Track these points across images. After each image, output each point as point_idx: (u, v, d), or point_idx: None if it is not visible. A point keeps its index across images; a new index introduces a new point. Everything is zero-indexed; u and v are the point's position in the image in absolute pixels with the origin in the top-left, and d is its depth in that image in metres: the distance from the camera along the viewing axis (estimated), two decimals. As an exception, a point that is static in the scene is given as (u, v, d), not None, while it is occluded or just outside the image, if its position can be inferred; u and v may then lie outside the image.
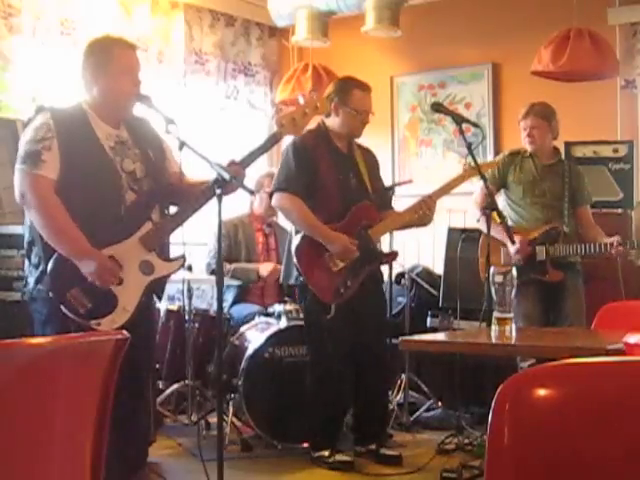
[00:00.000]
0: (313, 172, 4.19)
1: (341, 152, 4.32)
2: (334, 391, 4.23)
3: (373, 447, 4.33)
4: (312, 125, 4.10)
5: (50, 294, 3.10)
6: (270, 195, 4.31)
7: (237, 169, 3.16)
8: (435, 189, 4.27)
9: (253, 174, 5.19)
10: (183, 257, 3.31)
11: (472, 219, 4.71)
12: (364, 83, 4.33)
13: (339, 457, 4.20)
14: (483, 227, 4.54)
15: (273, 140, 3.39)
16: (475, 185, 4.70)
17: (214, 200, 3.10)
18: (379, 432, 4.39)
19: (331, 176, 4.24)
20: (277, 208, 4.35)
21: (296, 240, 4.25)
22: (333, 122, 4.30)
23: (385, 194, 4.48)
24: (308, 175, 4.18)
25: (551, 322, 4.56)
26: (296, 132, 3.40)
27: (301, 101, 3.42)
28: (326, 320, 4.16)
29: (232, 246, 5.23)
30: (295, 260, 4.22)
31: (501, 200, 4.69)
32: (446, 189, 4.27)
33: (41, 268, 3.13)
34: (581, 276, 4.65)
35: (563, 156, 4.94)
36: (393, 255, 4.48)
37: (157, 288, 3.36)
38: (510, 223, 4.60)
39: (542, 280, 4.53)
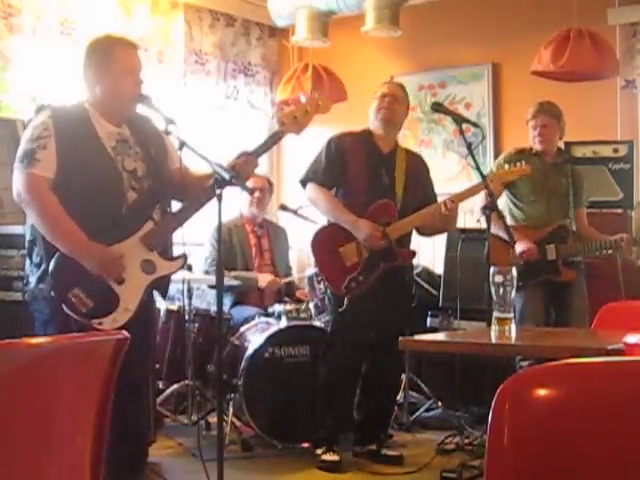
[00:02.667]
0: (341, 168, 4.28)
1: (379, 152, 4.35)
2: (339, 387, 4.25)
3: (373, 447, 4.33)
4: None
5: (52, 293, 3.10)
6: (303, 184, 4.37)
7: (249, 159, 3.17)
8: (456, 192, 4.26)
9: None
10: (184, 256, 3.31)
11: (473, 219, 4.71)
12: (388, 81, 4.58)
13: (325, 456, 4.20)
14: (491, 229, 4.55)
15: (275, 138, 3.39)
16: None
17: (213, 200, 3.10)
18: (379, 433, 4.40)
19: (360, 174, 4.29)
20: (306, 198, 4.42)
21: (312, 233, 4.33)
22: (370, 118, 4.39)
23: (425, 198, 4.39)
24: (336, 169, 4.28)
25: (554, 321, 4.55)
26: (297, 130, 3.38)
27: (303, 99, 3.41)
28: (339, 313, 4.20)
29: (228, 252, 5.22)
30: (311, 252, 4.31)
31: (503, 198, 4.69)
32: (468, 194, 4.25)
33: (43, 267, 3.13)
34: (584, 275, 4.66)
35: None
36: (410, 254, 4.42)
37: (161, 286, 3.36)
38: (513, 222, 4.60)
39: (551, 280, 4.53)
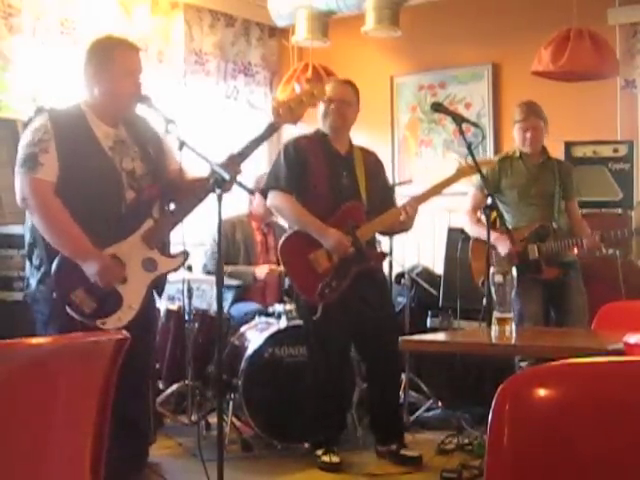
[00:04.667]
0: (303, 171, 4.23)
1: (337, 153, 4.33)
2: (328, 391, 4.25)
3: (394, 447, 4.30)
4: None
5: (54, 295, 3.10)
6: (264, 194, 4.33)
7: (233, 166, 3.17)
8: (421, 192, 4.27)
9: (252, 172, 5.20)
10: (186, 253, 3.32)
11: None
12: (336, 77, 4.48)
13: (325, 458, 4.20)
14: (471, 232, 4.56)
15: (271, 130, 3.38)
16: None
17: (213, 199, 3.10)
18: (399, 431, 4.40)
19: (322, 175, 4.26)
20: (270, 207, 4.40)
21: (280, 241, 4.30)
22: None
23: (386, 195, 4.46)
24: (298, 174, 4.22)
25: (553, 321, 4.56)
26: (293, 121, 3.38)
27: (297, 90, 3.41)
28: (313, 321, 4.18)
29: (230, 247, 5.22)
30: (280, 259, 4.29)
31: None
32: (428, 196, 4.26)
33: (43, 269, 3.14)
34: (580, 274, 4.66)
35: (563, 156, 4.94)
36: (381, 256, 4.42)
37: (158, 285, 3.37)
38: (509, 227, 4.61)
39: (545, 280, 4.52)
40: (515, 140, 4.69)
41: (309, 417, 4.32)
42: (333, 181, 4.26)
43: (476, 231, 4.55)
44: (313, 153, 4.28)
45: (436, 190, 4.28)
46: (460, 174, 4.30)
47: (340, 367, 4.30)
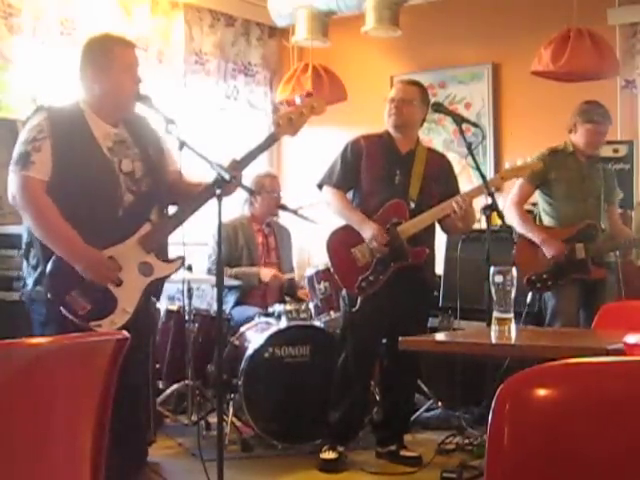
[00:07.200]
0: (356, 169, 4.32)
1: (397, 152, 4.34)
2: (349, 385, 4.27)
3: (393, 448, 4.33)
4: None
5: (49, 295, 3.09)
6: (319, 187, 4.43)
7: (233, 172, 3.16)
8: (469, 189, 4.25)
9: (251, 174, 5.20)
10: (182, 258, 3.31)
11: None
12: (399, 81, 4.68)
13: (324, 455, 4.22)
14: (518, 227, 4.53)
15: (270, 140, 3.39)
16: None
17: (213, 200, 3.10)
18: (399, 433, 4.41)
19: (375, 174, 4.30)
20: (323, 200, 4.47)
21: (329, 232, 4.36)
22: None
23: (446, 197, 4.24)
24: (350, 171, 4.32)
25: (584, 321, 4.51)
26: (293, 132, 3.39)
27: (298, 101, 3.42)
28: (350, 313, 4.26)
29: (232, 250, 5.22)
30: (326, 251, 4.34)
31: (536, 199, 4.70)
32: (479, 191, 4.17)
33: (40, 269, 3.12)
34: (616, 274, 4.64)
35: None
36: (421, 253, 4.28)
37: (155, 289, 3.35)
38: (547, 222, 4.61)
39: (583, 279, 4.51)
40: (574, 136, 4.61)
41: (323, 410, 4.32)
42: (385, 180, 4.29)
43: (524, 228, 4.53)
44: (370, 152, 4.33)
45: (482, 189, 4.14)
46: (504, 175, 4.25)
47: (369, 362, 4.36)
